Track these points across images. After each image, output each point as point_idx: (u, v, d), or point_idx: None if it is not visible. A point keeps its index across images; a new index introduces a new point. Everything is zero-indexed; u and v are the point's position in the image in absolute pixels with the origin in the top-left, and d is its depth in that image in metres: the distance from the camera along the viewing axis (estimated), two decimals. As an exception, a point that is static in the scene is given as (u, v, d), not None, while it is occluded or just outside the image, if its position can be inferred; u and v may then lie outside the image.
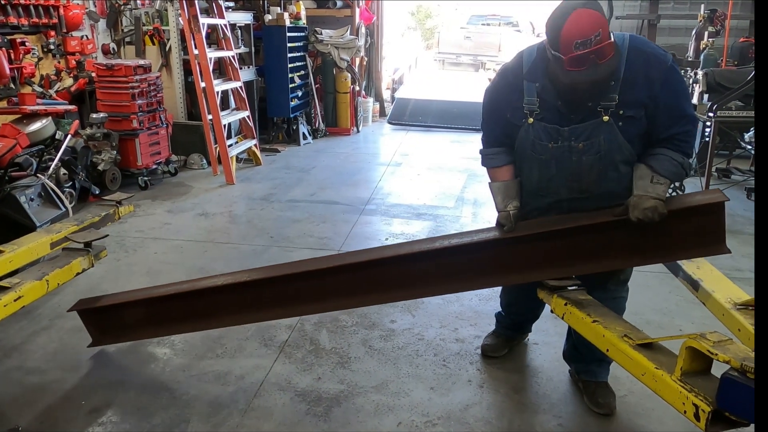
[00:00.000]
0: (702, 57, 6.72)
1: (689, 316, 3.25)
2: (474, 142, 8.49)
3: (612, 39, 1.98)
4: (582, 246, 2.23)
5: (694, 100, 5.58)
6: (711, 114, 4.95)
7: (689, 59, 7.26)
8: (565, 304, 2.18)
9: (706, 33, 7.04)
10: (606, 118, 2.08)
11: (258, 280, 2.56)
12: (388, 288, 2.45)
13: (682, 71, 6.70)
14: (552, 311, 2.30)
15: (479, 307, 3.43)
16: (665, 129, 2.11)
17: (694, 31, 7.42)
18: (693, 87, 5.76)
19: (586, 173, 2.18)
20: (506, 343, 2.93)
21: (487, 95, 2.40)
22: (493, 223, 2.47)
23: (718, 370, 1.64)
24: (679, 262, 2.38)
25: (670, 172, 2.10)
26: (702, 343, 1.62)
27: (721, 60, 6.64)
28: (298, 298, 2.55)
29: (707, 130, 5.22)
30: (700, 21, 7.28)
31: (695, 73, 5.77)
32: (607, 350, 1.96)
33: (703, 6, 7.32)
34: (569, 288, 2.28)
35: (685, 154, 2.15)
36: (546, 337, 3.08)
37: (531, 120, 2.21)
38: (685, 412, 1.65)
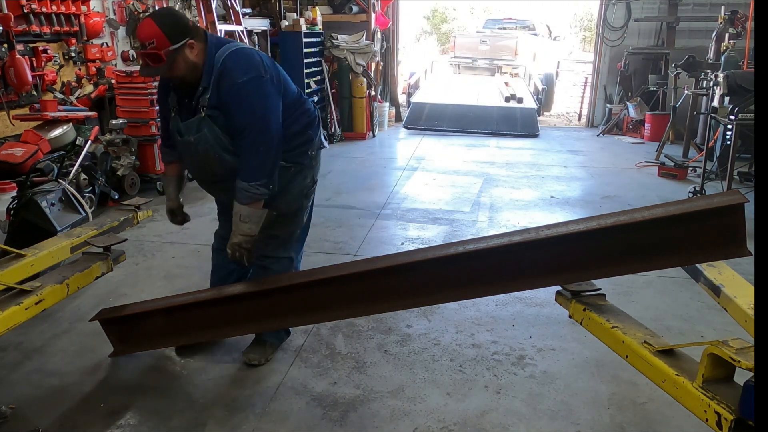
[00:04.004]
0: (723, 59, 6.62)
1: (711, 322, 3.19)
2: (490, 146, 8.48)
3: (170, 48, 2.30)
4: (597, 250, 2.19)
5: (715, 103, 5.50)
6: (732, 117, 4.87)
7: (709, 61, 7.16)
8: (584, 310, 2.15)
9: (727, 35, 6.94)
10: (203, 114, 2.42)
11: (274, 289, 2.58)
12: (403, 295, 2.43)
13: (701, 74, 6.63)
14: (570, 317, 2.27)
15: (496, 312, 3.41)
16: (235, 137, 2.43)
17: (714, 33, 7.32)
18: (713, 90, 5.68)
19: (205, 161, 2.52)
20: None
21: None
22: (510, 228, 2.45)
23: (740, 377, 1.61)
24: (699, 266, 2.34)
25: (240, 199, 2.44)
26: (724, 350, 1.59)
27: (742, 62, 6.54)
28: (314, 305, 2.55)
29: (728, 133, 5.14)
30: (721, 23, 7.18)
31: (716, 76, 5.68)
32: (627, 357, 1.93)
33: (723, 8, 7.22)
34: (588, 293, 2.25)
35: (246, 179, 2.41)
36: (563, 343, 3.05)
37: (174, 113, 2.56)
38: (707, 420, 1.62)
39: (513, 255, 2.26)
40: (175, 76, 2.43)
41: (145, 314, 2.76)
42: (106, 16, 6.25)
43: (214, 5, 6.21)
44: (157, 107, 2.88)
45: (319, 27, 8.35)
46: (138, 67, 6.00)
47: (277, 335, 2.94)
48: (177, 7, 6.86)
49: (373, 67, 9.10)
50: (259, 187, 2.43)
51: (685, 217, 2.04)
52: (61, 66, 5.62)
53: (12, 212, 3.64)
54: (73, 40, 5.69)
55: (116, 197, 5.11)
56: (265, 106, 2.41)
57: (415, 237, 4.68)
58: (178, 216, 2.90)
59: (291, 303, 2.58)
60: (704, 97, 6.96)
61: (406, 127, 9.68)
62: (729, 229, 2.03)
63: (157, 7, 6.89)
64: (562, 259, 2.23)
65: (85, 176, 4.79)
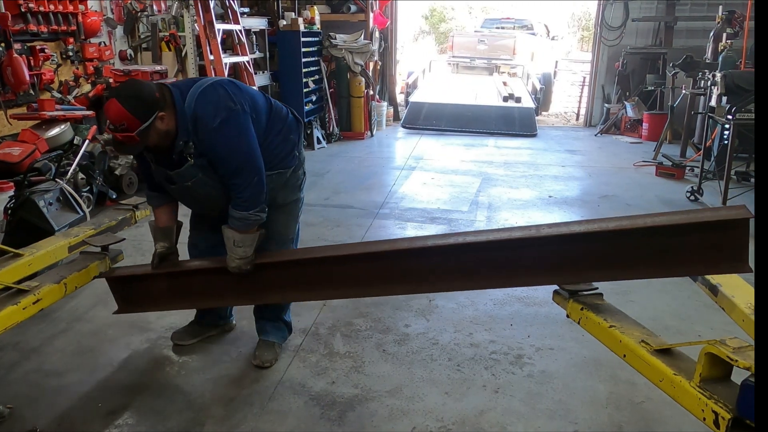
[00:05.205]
0: (720, 59, 6.63)
1: (709, 321, 3.20)
2: (488, 146, 8.48)
3: (141, 128, 2.28)
4: (596, 253, 2.19)
5: (713, 103, 5.51)
6: (730, 117, 4.88)
7: (707, 61, 7.17)
8: (582, 309, 2.15)
9: (725, 34, 6.95)
10: (192, 161, 2.43)
11: (275, 263, 2.61)
12: (399, 280, 2.43)
13: (699, 74, 6.64)
14: (567, 316, 2.27)
15: (494, 311, 3.41)
16: (223, 178, 2.48)
17: (712, 33, 7.33)
18: (711, 89, 5.68)
19: (208, 200, 2.58)
20: (198, 332, 3.04)
21: None
22: (508, 225, 2.45)
23: (738, 377, 1.61)
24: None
25: (238, 226, 2.49)
26: (721, 349, 1.59)
27: (740, 62, 6.54)
28: (313, 283, 2.58)
29: (726, 132, 5.15)
30: (719, 22, 7.19)
31: (713, 75, 5.69)
32: (625, 356, 1.94)
33: (721, 7, 7.23)
34: (585, 293, 2.25)
35: (243, 207, 2.47)
36: (561, 342, 3.05)
37: (153, 167, 2.58)
38: (704, 419, 1.62)
39: (512, 250, 2.26)
40: (151, 146, 2.42)
41: (151, 276, 2.78)
42: (104, 15, 6.24)
43: (212, 4, 6.20)
44: (135, 160, 2.85)
45: (318, 26, 8.34)
46: (136, 67, 6.00)
47: (281, 334, 2.97)
48: (174, 8, 6.85)
49: (371, 67, 9.10)
50: (258, 213, 2.50)
51: (689, 227, 2.02)
52: (59, 65, 5.61)
53: (9, 212, 3.64)
54: (71, 39, 5.68)
55: (114, 196, 5.10)
56: (246, 142, 2.44)
57: (413, 236, 4.68)
58: (168, 260, 2.77)
59: (291, 278, 2.62)
60: (702, 97, 6.96)
61: (404, 127, 9.68)
62: (732, 244, 2.01)
63: (155, 7, 6.88)
64: (561, 259, 2.23)
65: (83, 175, 4.78)
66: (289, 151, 2.69)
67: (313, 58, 8.12)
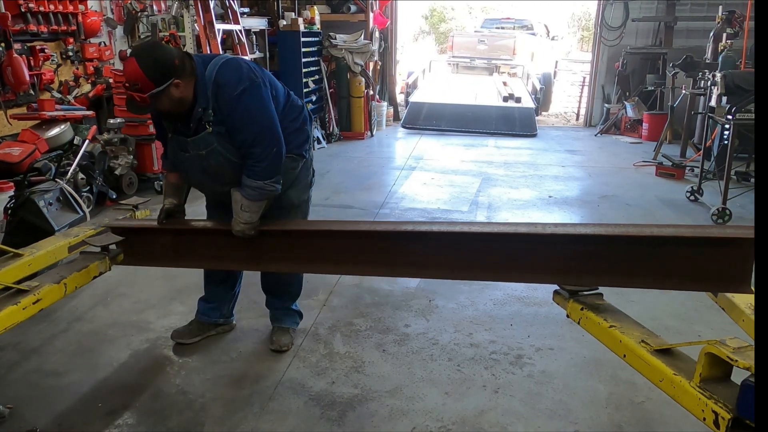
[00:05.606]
0: (720, 59, 6.63)
1: (708, 321, 3.20)
2: (488, 146, 8.48)
3: (154, 91, 2.32)
4: (599, 256, 2.19)
5: (712, 103, 5.51)
6: (730, 117, 4.88)
7: (707, 61, 7.17)
8: (582, 309, 2.15)
9: (725, 35, 6.95)
10: (210, 129, 2.46)
11: (280, 231, 2.60)
12: (400, 263, 2.42)
13: (699, 74, 6.64)
14: (568, 316, 2.27)
15: (494, 311, 3.41)
16: (238, 148, 2.48)
17: (712, 33, 7.33)
18: (711, 89, 5.68)
19: (218, 172, 2.56)
20: (198, 331, 3.05)
21: None
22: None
23: (738, 377, 1.61)
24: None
25: (251, 195, 2.48)
26: (721, 349, 1.59)
27: (740, 62, 6.54)
28: (315, 256, 2.57)
29: (726, 133, 5.15)
30: (718, 22, 7.19)
31: (713, 76, 5.69)
32: (625, 356, 1.93)
33: (721, 7, 7.23)
34: (585, 293, 2.25)
35: (260, 177, 2.47)
36: (561, 343, 3.05)
37: (171, 134, 2.59)
38: (704, 419, 1.62)
39: (516, 245, 2.25)
40: (162, 111, 2.48)
41: (155, 231, 2.75)
42: (104, 15, 6.25)
43: (212, 5, 6.21)
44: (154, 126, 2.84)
45: (318, 26, 8.35)
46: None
47: (293, 320, 3.08)
48: (174, 8, 6.85)
49: (371, 67, 9.10)
50: (273, 184, 2.52)
51: (695, 240, 2.02)
52: (59, 65, 5.62)
53: (9, 212, 3.64)
54: (71, 40, 5.68)
55: (114, 197, 5.11)
56: (268, 112, 2.48)
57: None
58: (174, 217, 2.79)
59: (293, 249, 2.60)
60: (702, 97, 6.96)
61: (404, 127, 9.68)
62: (735, 263, 2.00)
63: (155, 7, 6.88)
64: (563, 259, 2.23)
65: (83, 176, 4.79)
66: (304, 140, 2.74)
67: (313, 58, 8.12)
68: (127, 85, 2.36)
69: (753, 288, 2.00)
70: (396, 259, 2.42)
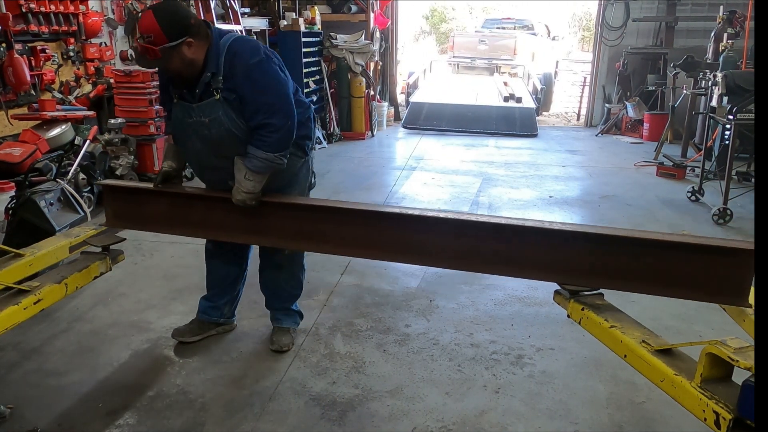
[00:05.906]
0: (721, 59, 6.63)
1: (709, 321, 3.20)
2: (489, 146, 8.48)
3: (166, 45, 2.33)
4: (602, 256, 2.19)
5: (713, 103, 5.50)
6: (731, 117, 4.88)
7: (708, 61, 7.17)
8: (582, 309, 2.15)
9: (726, 35, 6.94)
10: (218, 96, 2.45)
11: (282, 204, 2.56)
12: (403, 248, 2.39)
13: (700, 74, 6.63)
14: (568, 316, 2.27)
15: (494, 311, 3.41)
16: (250, 118, 2.46)
17: (713, 33, 7.32)
18: (712, 90, 5.68)
19: (217, 143, 2.52)
20: (199, 330, 3.05)
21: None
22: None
23: (739, 377, 1.61)
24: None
25: (258, 167, 2.45)
26: (722, 350, 1.59)
27: (741, 62, 6.54)
28: (312, 234, 2.53)
29: (727, 133, 5.14)
30: (719, 23, 7.18)
31: (714, 76, 5.69)
32: (625, 356, 1.93)
33: (722, 7, 7.22)
34: (586, 293, 2.25)
35: (271, 149, 2.46)
36: (562, 343, 3.05)
37: (176, 99, 2.58)
38: (705, 419, 1.62)
39: (520, 239, 2.24)
40: (171, 70, 2.47)
41: (150, 192, 2.71)
42: (105, 16, 6.24)
43: (212, 5, 6.22)
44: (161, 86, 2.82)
45: (318, 26, 8.35)
46: (137, 66, 6.00)
47: (293, 320, 3.08)
48: (176, 7, 6.85)
49: (372, 67, 9.10)
50: (282, 157, 2.50)
51: (697, 248, 2.03)
52: (60, 65, 5.62)
53: (10, 212, 3.64)
54: (72, 40, 5.68)
55: (115, 197, 5.10)
56: (284, 84, 2.50)
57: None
58: (171, 182, 2.74)
59: (293, 225, 2.56)
60: (703, 97, 6.96)
61: (404, 127, 9.68)
62: (735, 275, 2.00)
63: (155, 7, 6.88)
64: (565, 259, 2.23)
65: (84, 176, 4.78)
66: (307, 136, 2.75)
67: (313, 59, 8.12)
68: (140, 38, 2.37)
69: (752, 303, 2.00)
70: (396, 244, 2.37)
